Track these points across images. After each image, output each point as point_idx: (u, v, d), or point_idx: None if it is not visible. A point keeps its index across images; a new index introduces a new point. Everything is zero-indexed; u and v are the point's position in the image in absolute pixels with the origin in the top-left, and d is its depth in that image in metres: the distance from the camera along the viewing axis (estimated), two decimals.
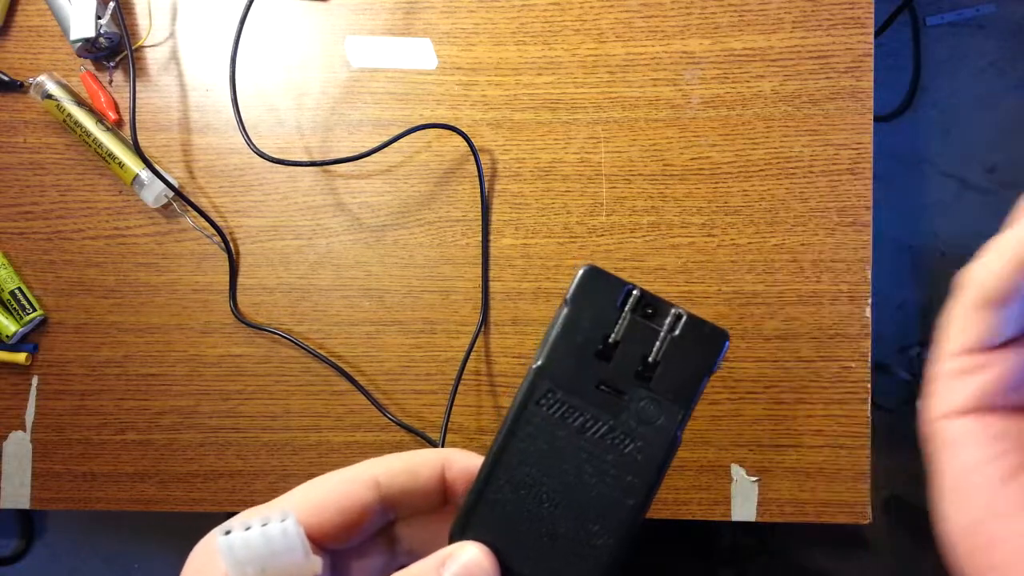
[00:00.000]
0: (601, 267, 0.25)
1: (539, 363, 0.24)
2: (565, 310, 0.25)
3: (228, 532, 0.22)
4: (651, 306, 0.24)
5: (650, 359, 0.24)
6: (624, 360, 0.24)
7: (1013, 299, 0.21)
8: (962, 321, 0.23)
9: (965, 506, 0.22)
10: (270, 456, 0.58)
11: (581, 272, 0.25)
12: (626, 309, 0.24)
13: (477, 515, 0.24)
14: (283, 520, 0.22)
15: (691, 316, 0.24)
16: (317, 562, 0.23)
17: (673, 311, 0.24)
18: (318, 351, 0.57)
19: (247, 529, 0.22)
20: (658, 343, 0.24)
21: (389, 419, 0.57)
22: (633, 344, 0.24)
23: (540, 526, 0.24)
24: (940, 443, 0.23)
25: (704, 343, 0.24)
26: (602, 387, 0.24)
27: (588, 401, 0.24)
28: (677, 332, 0.24)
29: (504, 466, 0.24)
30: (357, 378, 0.57)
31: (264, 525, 0.22)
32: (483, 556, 0.23)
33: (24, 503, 0.59)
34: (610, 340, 0.24)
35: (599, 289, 0.25)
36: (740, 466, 0.56)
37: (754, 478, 0.55)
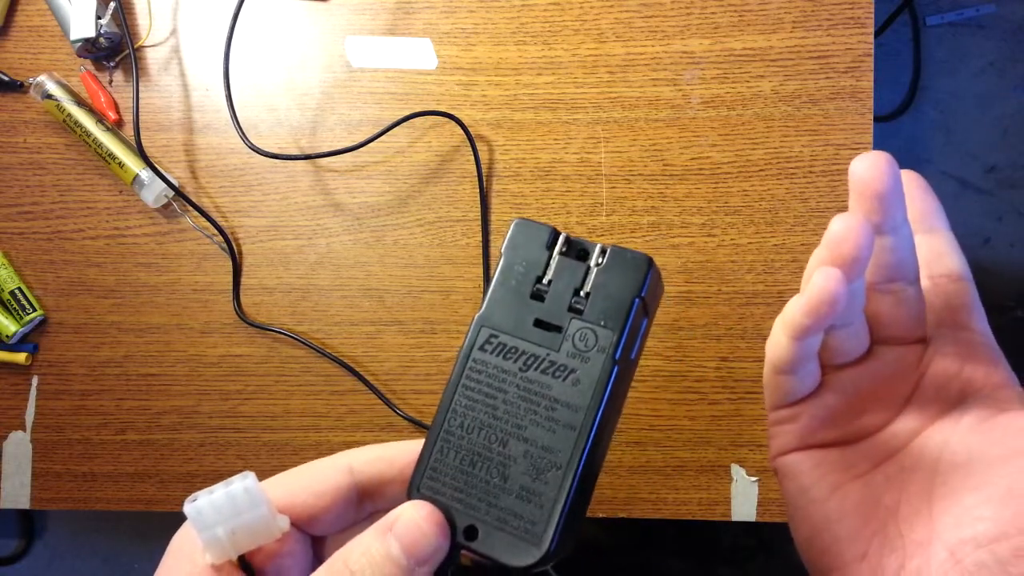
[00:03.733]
0: (530, 218, 0.26)
1: (480, 312, 0.26)
2: (501, 260, 0.26)
3: (195, 500, 0.23)
4: (581, 248, 0.26)
5: (581, 292, 0.25)
6: (557, 297, 0.25)
7: (798, 366, 0.26)
8: (767, 385, 0.28)
9: (805, 520, 0.27)
10: (270, 456, 0.58)
11: (513, 224, 0.26)
12: (555, 250, 0.26)
13: (431, 467, 0.25)
14: (244, 479, 0.24)
15: (615, 247, 0.25)
16: (284, 520, 0.25)
17: (599, 246, 0.25)
18: (324, 349, 0.57)
19: (212, 494, 0.23)
20: (586, 275, 0.25)
21: (400, 415, 0.57)
22: (565, 281, 0.25)
23: (492, 468, 0.24)
24: (781, 475, 0.28)
25: (630, 269, 0.25)
26: (540, 325, 0.25)
27: (528, 340, 0.25)
28: (603, 263, 0.25)
29: (454, 415, 0.25)
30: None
31: (227, 487, 0.24)
32: (421, 518, 0.23)
33: (24, 503, 0.59)
34: (544, 281, 0.25)
35: (530, 236, 0.26)
36: (740, 466, 0.56)
37: (754, 478, 0.55)
